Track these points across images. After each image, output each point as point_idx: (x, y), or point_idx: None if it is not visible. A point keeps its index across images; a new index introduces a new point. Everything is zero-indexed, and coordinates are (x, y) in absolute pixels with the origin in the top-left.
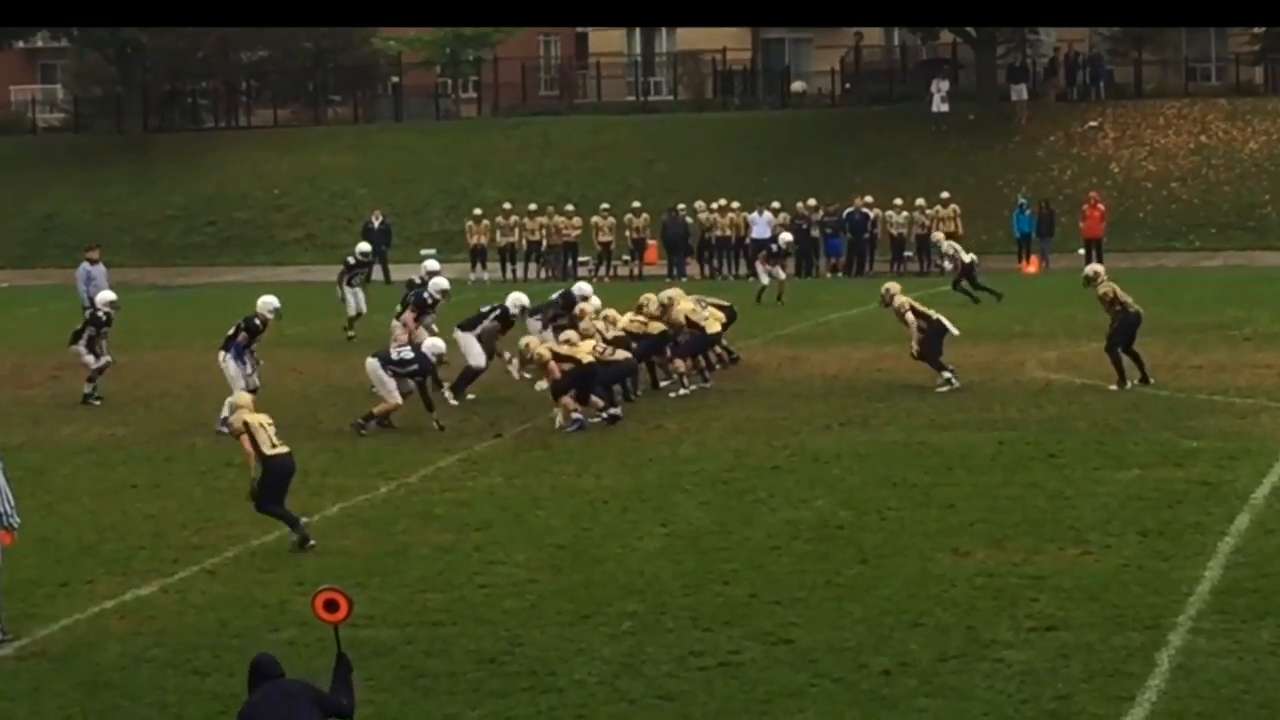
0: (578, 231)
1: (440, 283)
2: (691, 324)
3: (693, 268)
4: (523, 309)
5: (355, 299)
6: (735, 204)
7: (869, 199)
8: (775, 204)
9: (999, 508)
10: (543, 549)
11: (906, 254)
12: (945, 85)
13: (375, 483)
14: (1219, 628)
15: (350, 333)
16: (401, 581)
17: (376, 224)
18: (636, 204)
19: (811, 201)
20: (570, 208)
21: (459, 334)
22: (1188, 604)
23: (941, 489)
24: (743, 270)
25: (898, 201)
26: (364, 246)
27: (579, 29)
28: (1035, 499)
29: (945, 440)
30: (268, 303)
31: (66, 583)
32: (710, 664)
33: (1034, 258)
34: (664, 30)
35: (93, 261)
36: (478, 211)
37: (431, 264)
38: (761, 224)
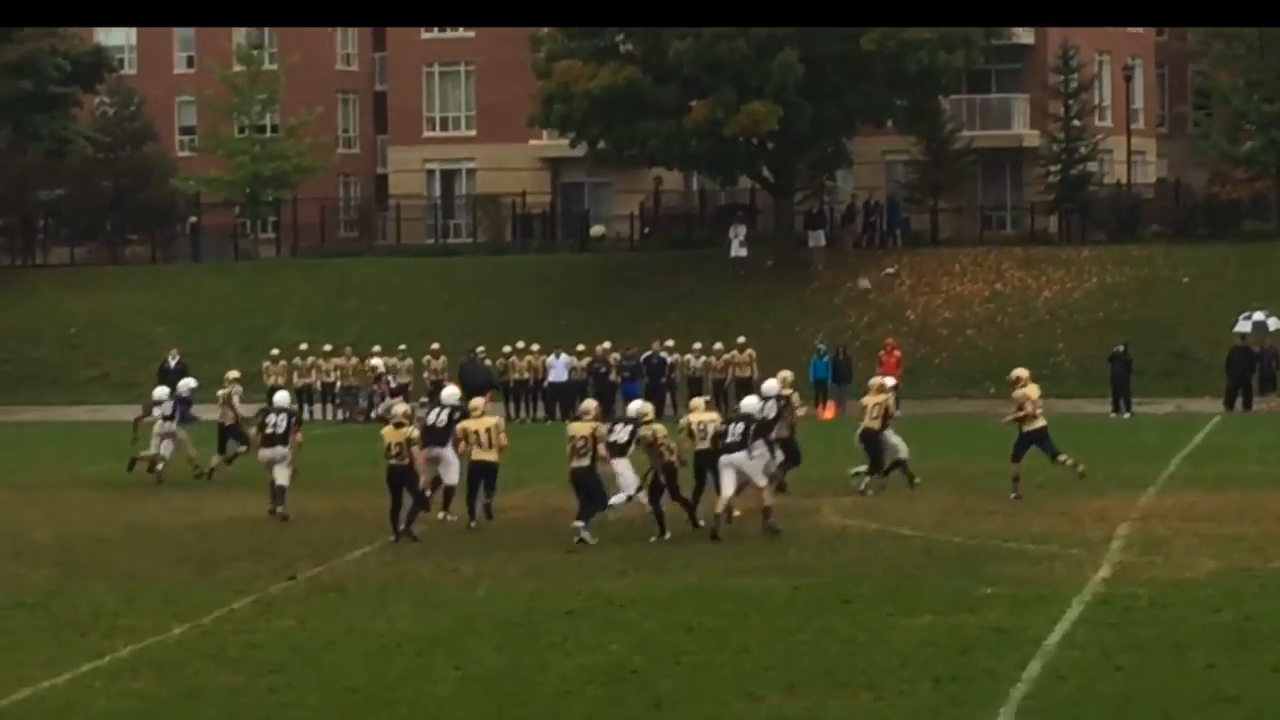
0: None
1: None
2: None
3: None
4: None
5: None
6: (535, 346)
7: (670, 343)
8: (580, 347)
9: (793, 653)
10: (336, 692)
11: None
12: (743, 230)
13: (168, 624)
14: None
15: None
16: None
17: (173, 363)
18: (435, 345)
19: (607, 344)
20: (377, 348)
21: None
22: None
23: (736, 634)
24: (540, 413)
25: (696, 345)
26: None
27: (378, 170)
28: (829, 644)
29: (741, 584)
30: None
31: None
32: None
33: (830, 404)
34: (464, 173)
35: None
36: (275, 351)
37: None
38: (559, 367)
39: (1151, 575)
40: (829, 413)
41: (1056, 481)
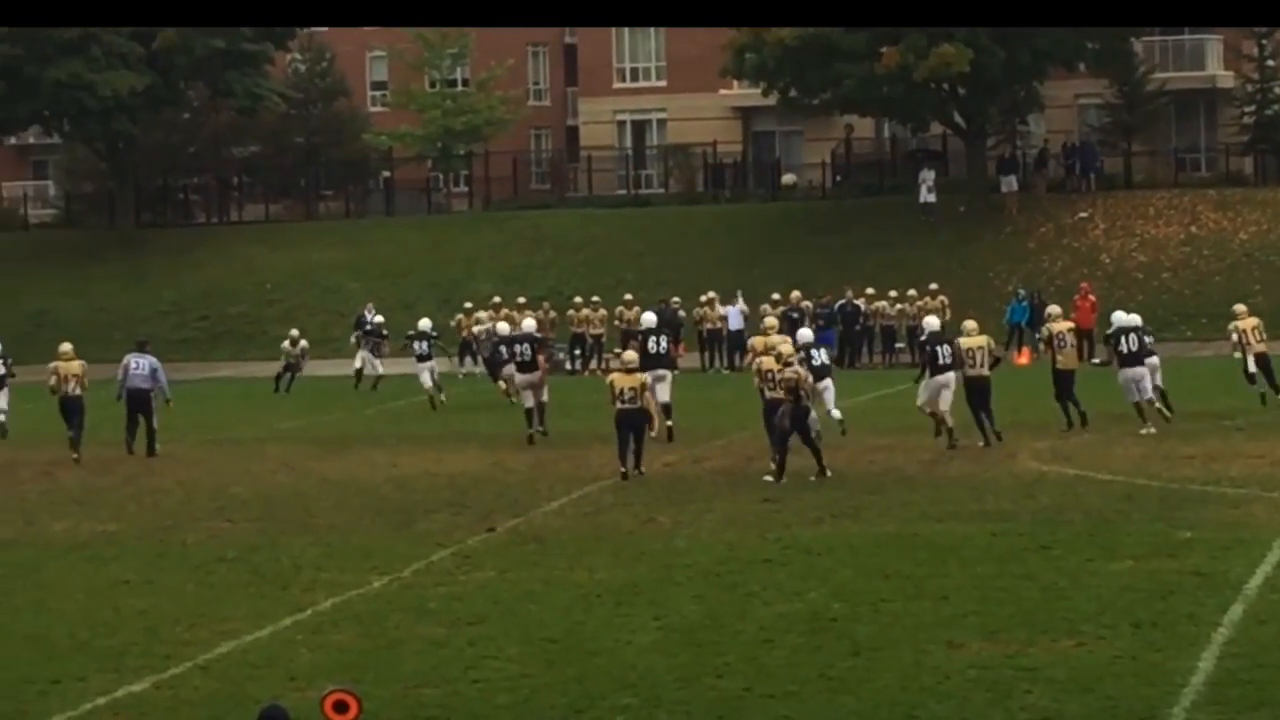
0: (591, 327)
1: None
2: None
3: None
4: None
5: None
6: (739, 292)
7: (870, 290)
8: (775, 295)
9: (992, 599)
10: (536, 643)
11: (898, 345)
12: (931, 176)
13: (368, 577)
14: (1214, 719)
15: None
16: (395, 676)
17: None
18: (628, 296)
19: (797, 294)
20: (578, 300)
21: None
22: (1182, 695)
23: (934, 581)
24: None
25: (892, 294)
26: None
27: (569, 121)
28: (1029, 590)
29: (938, 532)
30: None
31: (59, 680)
32: None
33: (1025, 348)
34: (654, 123)
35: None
36: (469, 305)
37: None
38: (735, 314)
39: None
40: (1024, 358)
41: (1256, 425)
